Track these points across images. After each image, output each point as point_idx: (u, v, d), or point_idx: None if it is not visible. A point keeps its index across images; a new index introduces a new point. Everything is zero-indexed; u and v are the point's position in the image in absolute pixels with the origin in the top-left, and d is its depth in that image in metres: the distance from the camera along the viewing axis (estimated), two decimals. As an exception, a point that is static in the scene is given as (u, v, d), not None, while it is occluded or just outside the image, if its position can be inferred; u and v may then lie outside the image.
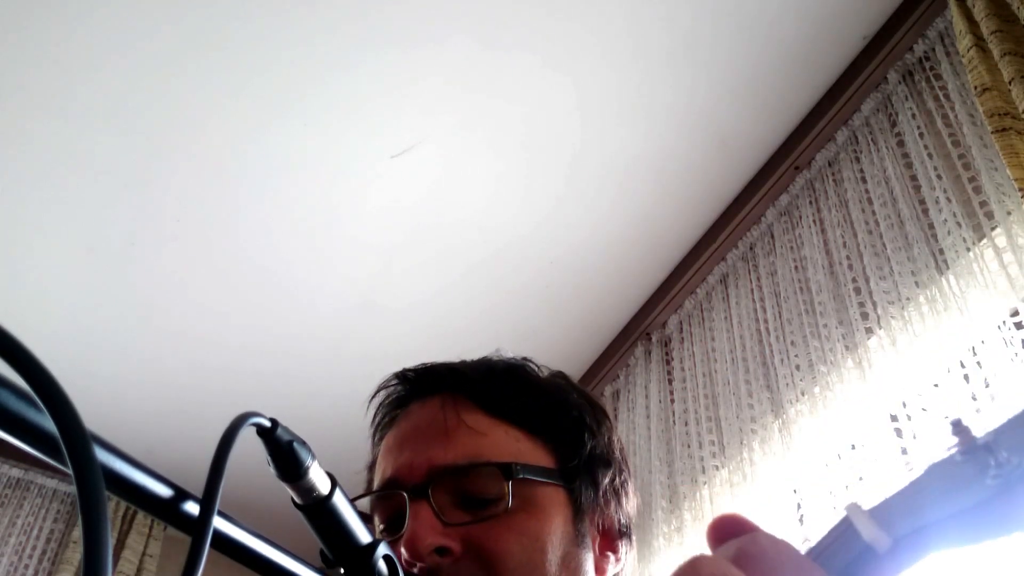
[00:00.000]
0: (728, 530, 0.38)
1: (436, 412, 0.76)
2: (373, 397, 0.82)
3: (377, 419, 0.82)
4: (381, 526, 0.75)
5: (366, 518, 0.75)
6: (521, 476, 0.71)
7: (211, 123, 2.20)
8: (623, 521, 0.80)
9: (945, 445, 0.35)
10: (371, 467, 0.82)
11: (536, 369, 0.83)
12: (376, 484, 0.77)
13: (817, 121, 2.17)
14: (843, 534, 0.37)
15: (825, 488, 1.82)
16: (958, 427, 0.35)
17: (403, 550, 0.67)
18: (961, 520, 0.34)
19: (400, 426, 0.78)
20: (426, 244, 2.51)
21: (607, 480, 0.79)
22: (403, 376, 0.82)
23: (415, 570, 0.66)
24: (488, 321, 2.71)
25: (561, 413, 0.79)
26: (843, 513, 0.37)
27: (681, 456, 2.27)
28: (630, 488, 0.83)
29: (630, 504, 0.82)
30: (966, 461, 0.34)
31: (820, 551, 0.37)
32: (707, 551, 0.38)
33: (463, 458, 0.72)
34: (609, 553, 0.78)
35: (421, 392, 0.80)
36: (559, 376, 0.84)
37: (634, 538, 0.82)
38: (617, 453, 0.82)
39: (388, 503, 0.74)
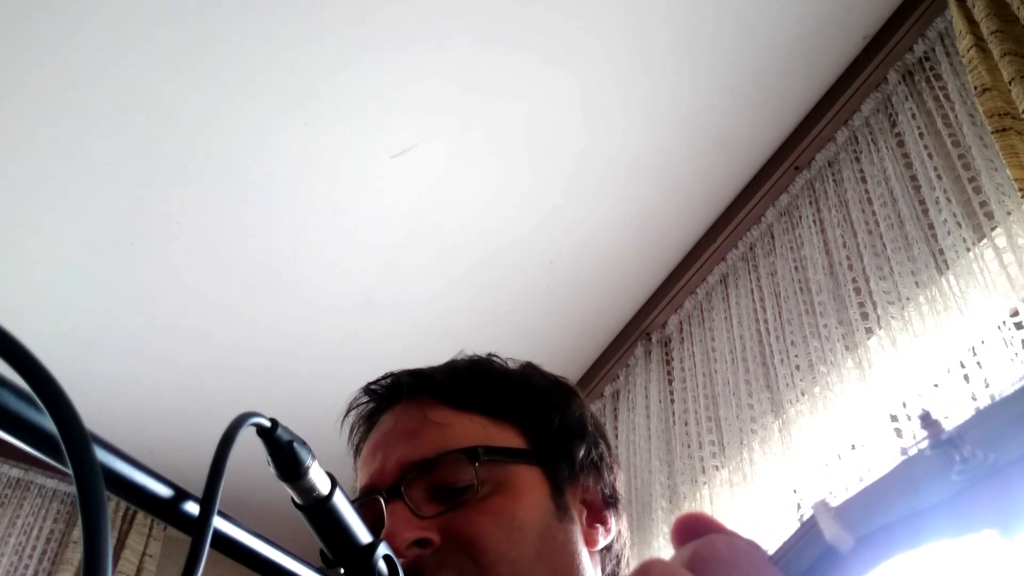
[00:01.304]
0: (691, 530, 0.37)
1: (401, 416, 0.78)
2: (344, 417, 0.83)
3: (352, 438, 0.84)
4: None
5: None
6: (486, 458, 0.73)
7: (212, 123, 2.20)
8: (607, 492, 0.81)
9: (916, 439, 0.34)
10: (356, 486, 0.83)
11: (501, 362, 0.84)
12: (358, 496, 0.78)
13: (817, 121, 2.17)
14: (806, 535, 0.36)
15: (825, 488, 1.82)
16: (927, 420, 0.34)
17: None
18: (925, 518, 0.33)
19: (373, 438, 0.80)
20: (427, 243, 2.51)
21: (582, 453, 0.80)
22: (369, 391, 0.83)
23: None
24: (488, 321, 2.71)
25: (525, 394, 0.80)
26: (810, 512, 0.37)
27: (681, 456, 2.27)
28: (609, 459, 0.84)
29: (612, 475, 0.83)
30: (934, 456, 0.33)
31: (783, 553, 0.37)
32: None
33: (431, 451, 0.73)
34: (598, 525, 0.79)
35: (388, 402, 0.81)
36: (527, 366, 0.86)
37: (622, 508, 0.83)
38: (591, 427, 0.83)
39: (368, 510, 0.74)
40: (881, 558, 0.34)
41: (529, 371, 0.85)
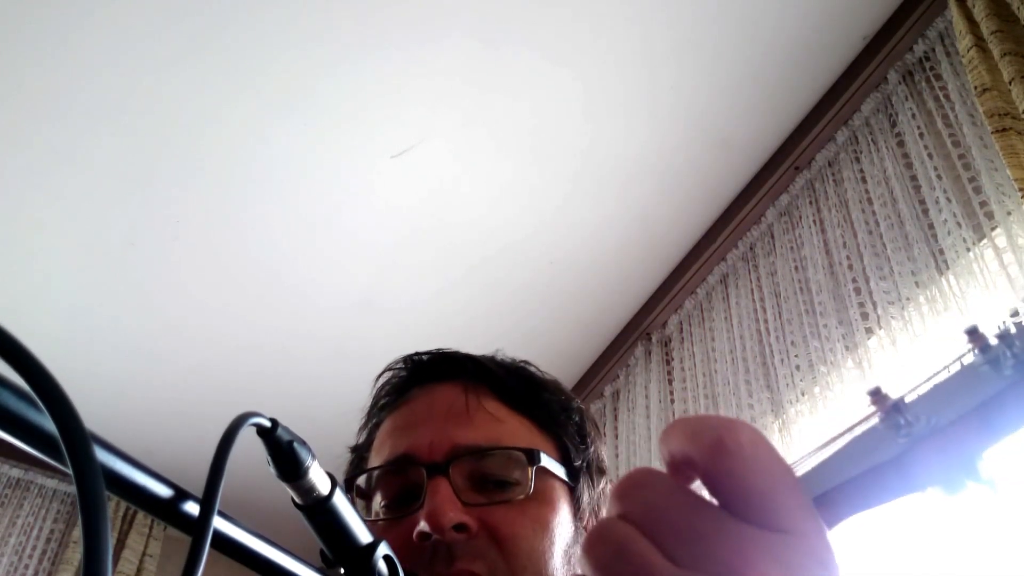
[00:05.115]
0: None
1: (457, 395, 0.77)
2: (380, 376, 0.83)
3: (380, 400, 0.82)
4: (383, 503, 0.74)
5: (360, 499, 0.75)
6: (543, 464, 0.73)
7: (212, 124, 2.20)
8: None
9: (865, 414, 0.36)
10: (357, 448, 0.82)
11: (538, 371, 0.85)
12: (383, 459, 0.76)
13: (817, 121, 2.17)
14: None
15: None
16: (876, 395, 0.36)
17: (422, 523, 0.67)
18: (874, 476, 0.35)
19: (411, 406, 0.79)
20: (427, 244, 2.51)
21: (600, 486, 0.81)
22: (415, 360, 0.82)
23: (429, 542, 0.67)
24: (489, 321, 2.71)
25: (568, 415, 0.81)
26: None
27: (681, 456, 2.26)
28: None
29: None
30: (883, 425, 0.35)
31: None
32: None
33: (485, 440, 0.73)
34: None
35: (438, 376, 0.80)
36: (558, 383, 0.86)
37: None
38: (606, 463, 0.84)
39: (396, 479, 0.74)
40: (836, 518, 0.36)
41: (565, 390, 0.85)
